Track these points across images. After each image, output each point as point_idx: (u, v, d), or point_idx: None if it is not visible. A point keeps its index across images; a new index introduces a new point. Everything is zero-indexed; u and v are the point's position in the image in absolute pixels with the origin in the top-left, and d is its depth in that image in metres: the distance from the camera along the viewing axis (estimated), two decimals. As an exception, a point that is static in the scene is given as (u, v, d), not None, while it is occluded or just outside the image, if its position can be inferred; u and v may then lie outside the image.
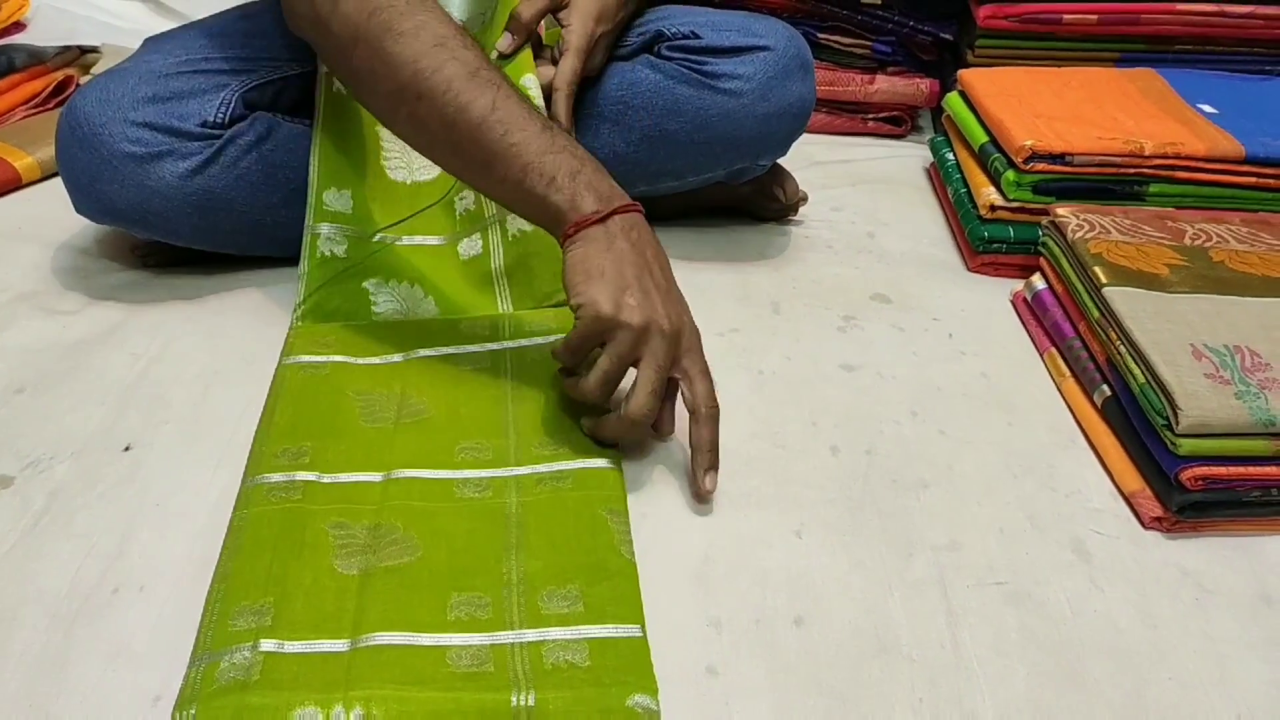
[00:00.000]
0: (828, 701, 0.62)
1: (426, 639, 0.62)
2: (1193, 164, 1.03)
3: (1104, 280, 0.86)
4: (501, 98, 0.74)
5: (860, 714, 0.61)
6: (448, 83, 0.74)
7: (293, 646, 0.61)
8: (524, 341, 0.87)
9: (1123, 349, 0.81)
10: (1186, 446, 0.74)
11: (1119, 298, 0.84)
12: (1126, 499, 0.78)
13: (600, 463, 0.75)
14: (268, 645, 0.60)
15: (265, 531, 0.68)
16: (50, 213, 1.05)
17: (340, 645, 0.61)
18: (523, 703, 0.58)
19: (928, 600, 0.69)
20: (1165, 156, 1.02)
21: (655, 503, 0.75)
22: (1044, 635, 0.67)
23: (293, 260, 0.93)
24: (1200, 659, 0.66)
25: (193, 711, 0.57)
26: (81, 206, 0.93)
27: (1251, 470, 0.74)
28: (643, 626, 0.64)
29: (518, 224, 0.93)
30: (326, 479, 0.72)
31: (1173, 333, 0.80)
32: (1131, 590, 0.70)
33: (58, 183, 0.94)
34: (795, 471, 0.79)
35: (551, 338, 0.87)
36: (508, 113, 0.74)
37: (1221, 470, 0.74)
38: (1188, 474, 0.73)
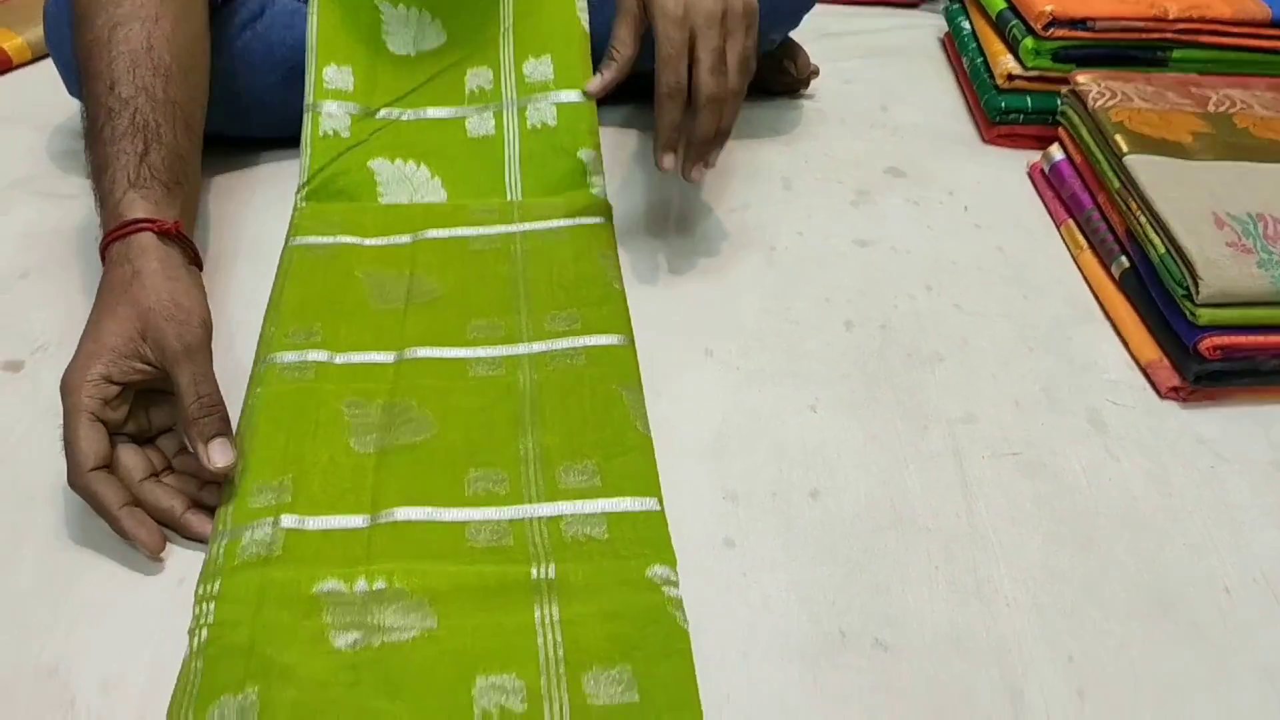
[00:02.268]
0: (844, 571, 0.62)
1: (446, 514, 0.62)
2: (1218, 27, 0.99)
3: (1125, 149, 0.84)
4: None
5: (875, 583, 0.62)
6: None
7: (313, 523, 0.61)
8: (535, 225, 0.85)
9: (1143, 219, 0.80)
10: (1206, 316, 0.73)
11: (1140, 166, 0.82)
12: (1143, 370, 0.78)
13: (613, 339, 0.74)
14: (288, 521, 0.61)
15: (280, 411, 0.68)
16: (43, 95, 1.03)
17: (360, 521, 0.61)
18: (543, 575, 0.59)
19: (943, 472, 0.69)
20: (1189, 20, 0.99)
21: (669, 380, 0.74)
22: (1059, 504, 0.67)
23: (294, 141, 0.91)
24: (1215, 525, 0.66)
25: (217, 585, 0.58)
26: (74, 88, 0.90)
27: (1271, 339, 0.74)
28: (660, 500, 0.64)
29: (540, 116, 0.90)
30: (339, 359, 0.72)
31: (1194, 201, 0.78)
32: (1147, 459, 0.70)
33: (49, 64, 0.92)
34: (809, 347, 0.79)
35: (563, 221, 0.85)
36: None
37: (1240, 340, 0.73)
38: (1206, 344, 0.73)
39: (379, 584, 0.58)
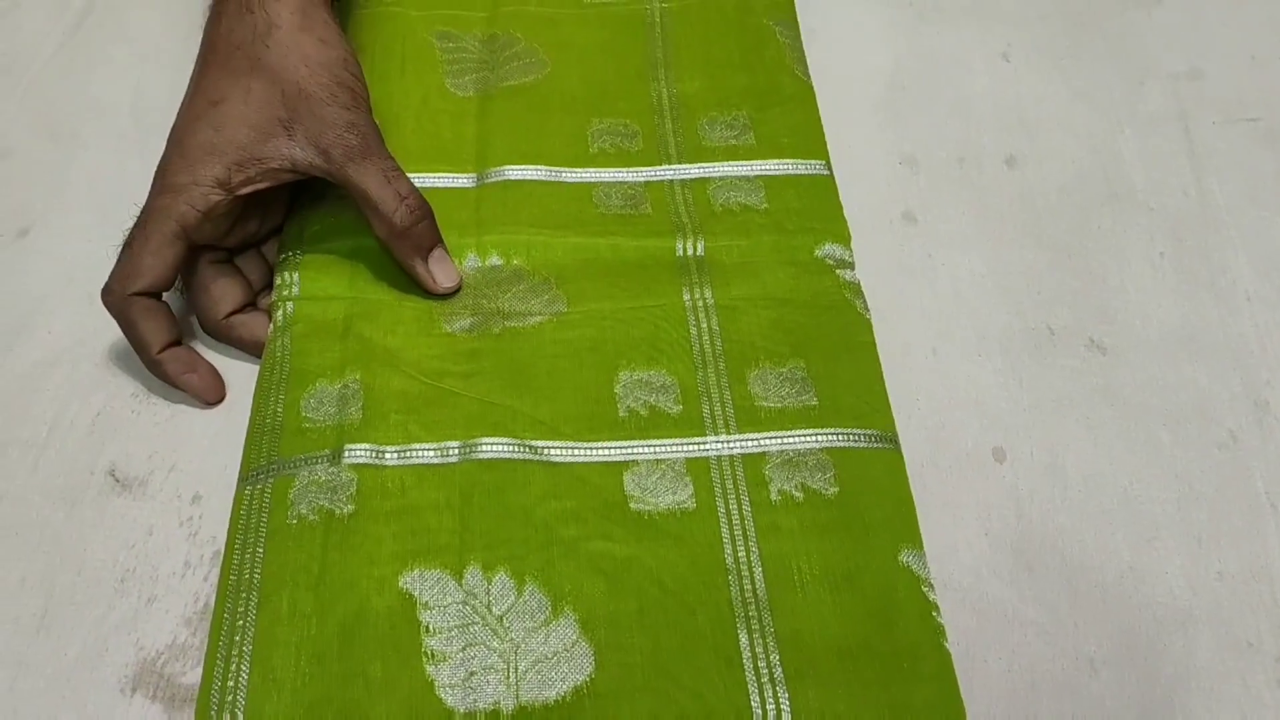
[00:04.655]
0: (1050, 255, 0.51)
1: (568, 174, 0.51)
2: None
3: None
4: None
5: (1088, 269, 0.51)
6: None
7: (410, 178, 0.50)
8: None
9: None
10: None
11: None
12: None
13: (760, -42, 0.60)
14: (377, 179, 0.50)
15: (358, 39, 0.55)
16: None
17: (465, 180, 0.51)
18: (690, 252, 0.48)
19: (1166, 138, 0.56)
20: None
21: (827, 17, 0.61)
22: (1309, 181, 0.55)
23: None
24: None
25: (299, 253, 0.48)
26: None
27: None
28: (828, 162, 0.52)
29: None
30: (424, -22, 0.58)
31: None
32: None
33: None
34: (997, -20, 0.64)
35: None
36: None
37: None
38: None
39: (493, 260, 0.48)
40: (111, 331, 0.46)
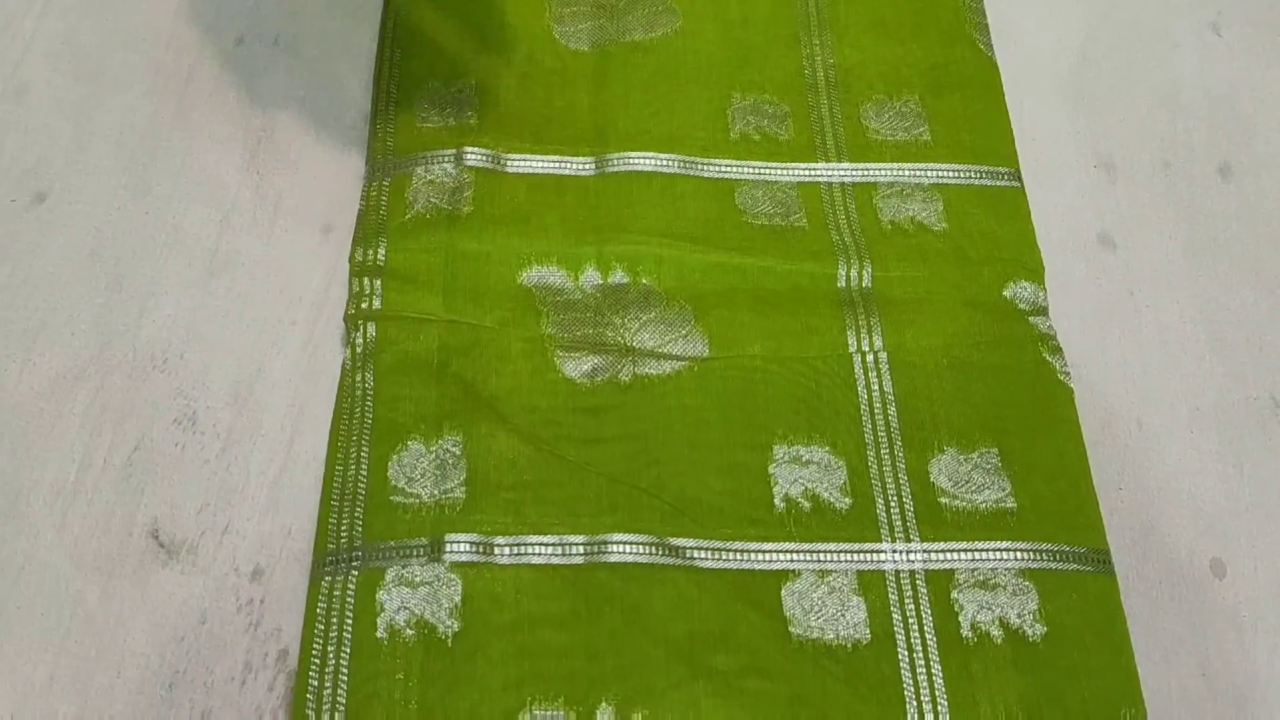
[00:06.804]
0: (1274, 298, 0.43)
1: (705, 167, 0.42)
2: None
3: None
4: None
5: (1317, 319, 0.43)
6: None
7: (516, 163, 0.41)
8: None
9: None
10: None
11: None
12: None
13: (937, -108, 0.49)
14: (474, 157, 0.41)
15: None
16: None
17: (581, 165, 0.41)
18: (854, 280, 0.40)
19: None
20: None
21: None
22: None
23: None
24: None
25: (382, 250, 0.39)
26: None
27: None
28: (1017, 170, 0.43)
29: None
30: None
31: None
32: None
33: None
34: (1204, -77, 0.53)
35: None
36: None
37: None
38: None
39: (616, 276, 0.39)
40: (142, 327, 0.39)
